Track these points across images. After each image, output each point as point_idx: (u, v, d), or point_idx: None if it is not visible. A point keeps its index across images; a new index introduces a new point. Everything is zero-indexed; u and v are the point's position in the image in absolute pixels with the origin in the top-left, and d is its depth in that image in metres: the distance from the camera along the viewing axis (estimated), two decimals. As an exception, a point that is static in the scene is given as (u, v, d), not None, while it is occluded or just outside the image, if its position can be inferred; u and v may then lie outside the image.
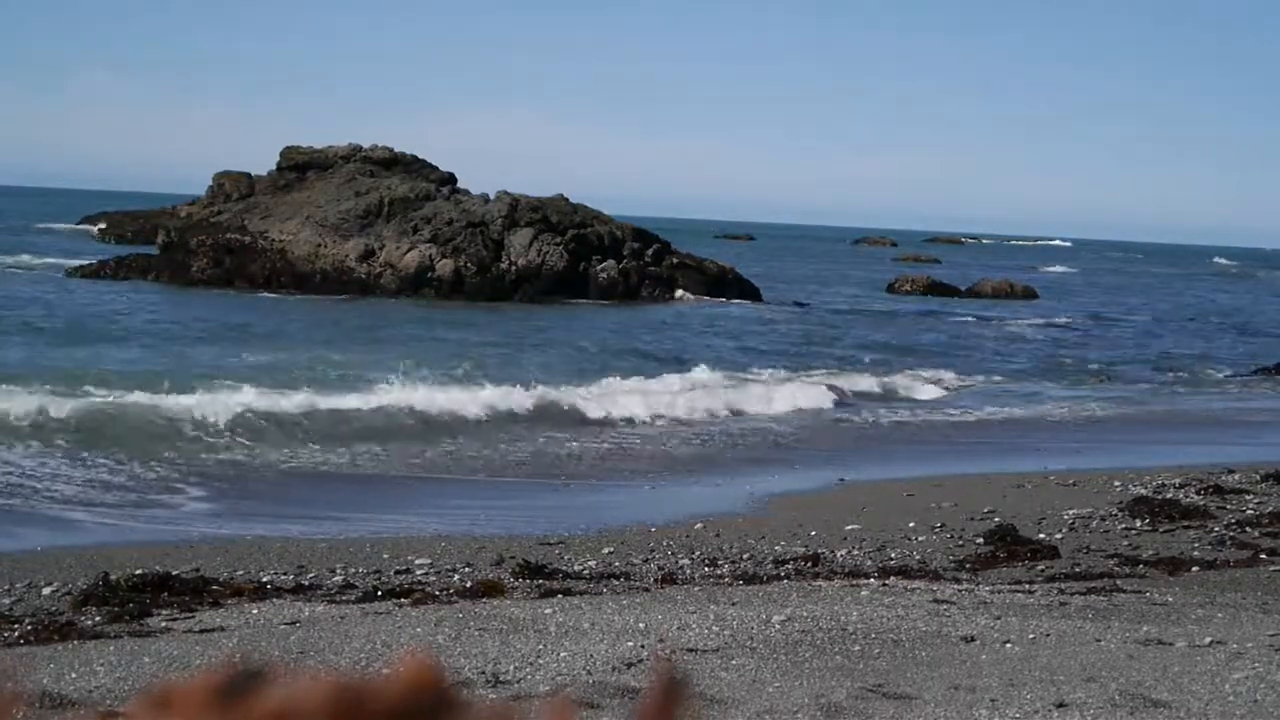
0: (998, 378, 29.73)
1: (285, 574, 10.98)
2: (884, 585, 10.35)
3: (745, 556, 12.01)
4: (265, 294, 39.87)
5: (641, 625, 8.53)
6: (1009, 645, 8.15)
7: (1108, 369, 32.10)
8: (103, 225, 68.78)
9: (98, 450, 16.03)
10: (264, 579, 10.74)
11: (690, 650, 7.98)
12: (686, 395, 23.21)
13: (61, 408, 17.24)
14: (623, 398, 22.35)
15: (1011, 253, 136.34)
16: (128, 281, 41.49)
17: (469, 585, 10.56)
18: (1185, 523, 13.62)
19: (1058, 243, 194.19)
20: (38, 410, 16.92)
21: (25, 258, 52.24)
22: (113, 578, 10.26)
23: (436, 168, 47.27)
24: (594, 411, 21.23)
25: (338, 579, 10.83)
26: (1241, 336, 44.28)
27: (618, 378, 24.74)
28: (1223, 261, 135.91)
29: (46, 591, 10.21)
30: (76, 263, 45.63)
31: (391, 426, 19.01)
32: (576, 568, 11.46)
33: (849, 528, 13.24)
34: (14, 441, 16.02)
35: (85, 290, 38.78)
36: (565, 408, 21.25)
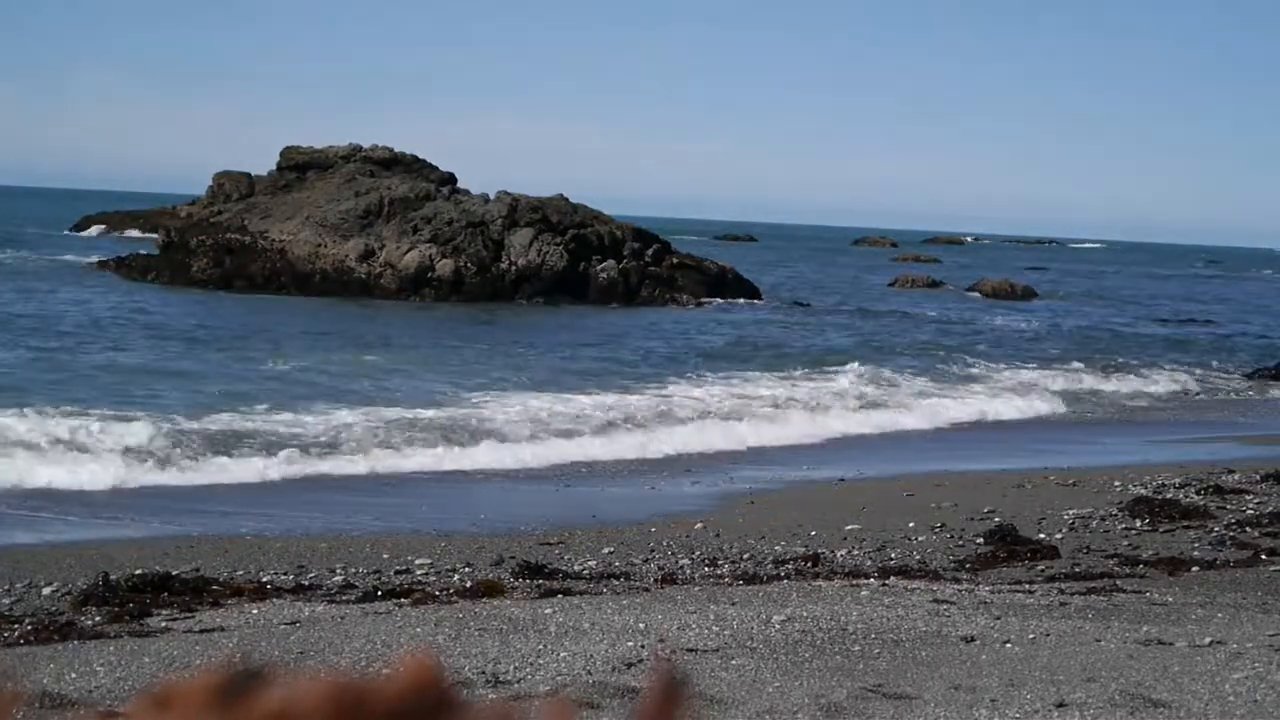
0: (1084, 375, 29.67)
1: (285, 574, 10.99)
2: (884, 585, 10.35)
3: (745, 556, 12.01)
4: (268, 295, 39.88)
5: (641, 625, 8.53)
6: (1009, 645, 8.15)
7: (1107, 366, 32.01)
8: (151, 232, 66.89)
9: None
10: (264, 579, 10.75)
11: (690, 650, 7.98)
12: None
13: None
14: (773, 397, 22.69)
15: (1016, 253, 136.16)
16: (129, 282, 41.48)
17: (469, 585, 10.56)
18: (1185, 523, 13.62)
19: (1054, 245, 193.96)
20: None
21: (34, 257, 52.36)
22: (113, 578, 10.26)
23: (436, 168, 47.29)
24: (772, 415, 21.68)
25: (338, 579, 10.84)
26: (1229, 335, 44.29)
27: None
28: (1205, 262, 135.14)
29: (46, 591, 10.21)
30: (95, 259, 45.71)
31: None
32: (576, 568, 11.46)
33: (849, 528, 13.24)
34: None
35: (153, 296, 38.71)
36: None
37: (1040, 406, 25.08)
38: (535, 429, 19.13)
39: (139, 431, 16.47)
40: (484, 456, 17.33)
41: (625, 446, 18.52)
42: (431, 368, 25.15)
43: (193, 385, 21.39)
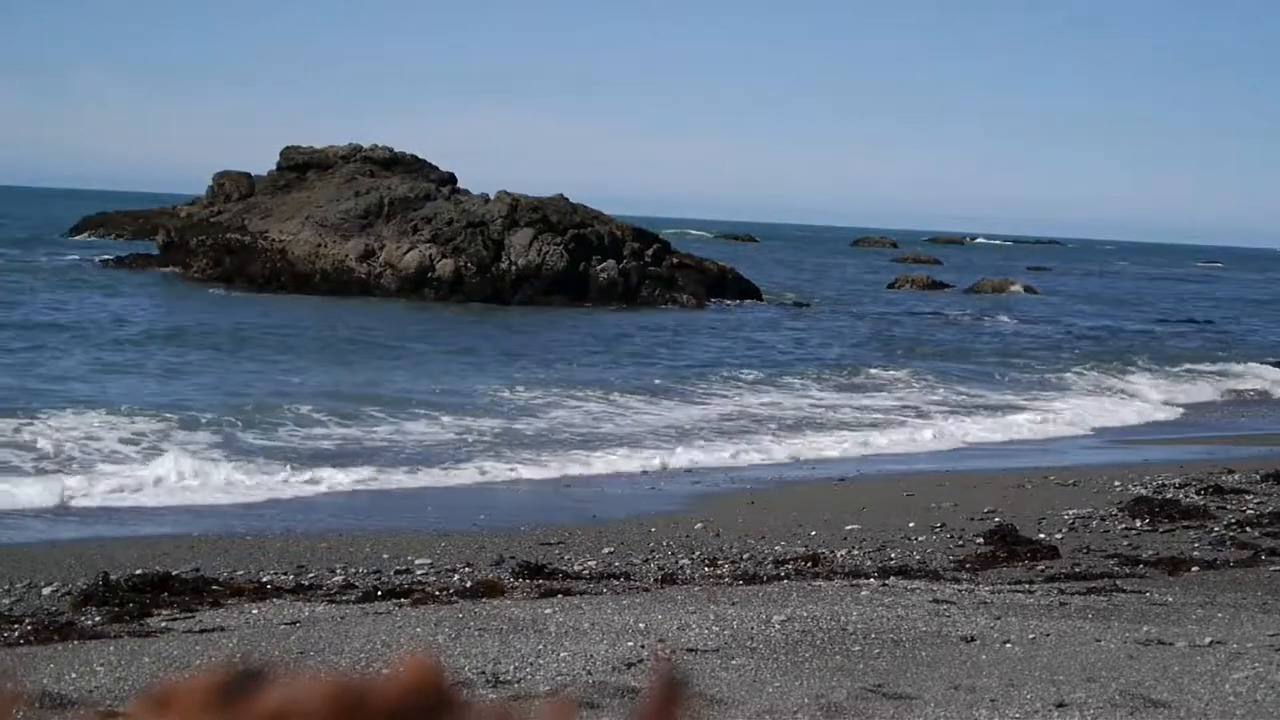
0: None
1: (285, 574, 10.99)
2: (884, 585, 10.35)
3: (745, 556, 12.01)
4: (277, 295, 39.84)
5: (641, 625, 8.52)
6: (1009, 645, 8.15)
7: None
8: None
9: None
10: (264, 579, 10.75)
11: (690, 650, 7.98)
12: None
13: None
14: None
15: (1017, 253, 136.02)
16: (129, 283, 41.48)
17: (469, 585, 10.56)
18: (1185, 523, 13.63)
19: (1054, 245, 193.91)
20: None
21: (36, 257, 52.45)
22: (113, 578, 10.26)
23: (436, 167, 47.26)
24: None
25: (338, 579, 10.84)
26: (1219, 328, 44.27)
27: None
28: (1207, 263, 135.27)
29: (46, 591, 10.21)
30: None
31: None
32: (576, 568, 11.46)
33: (849, 528, 13.24)
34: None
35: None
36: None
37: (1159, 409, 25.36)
38: (664, 438, 19.35)
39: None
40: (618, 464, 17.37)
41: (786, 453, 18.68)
42: (484, 373, 24.89)
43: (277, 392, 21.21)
